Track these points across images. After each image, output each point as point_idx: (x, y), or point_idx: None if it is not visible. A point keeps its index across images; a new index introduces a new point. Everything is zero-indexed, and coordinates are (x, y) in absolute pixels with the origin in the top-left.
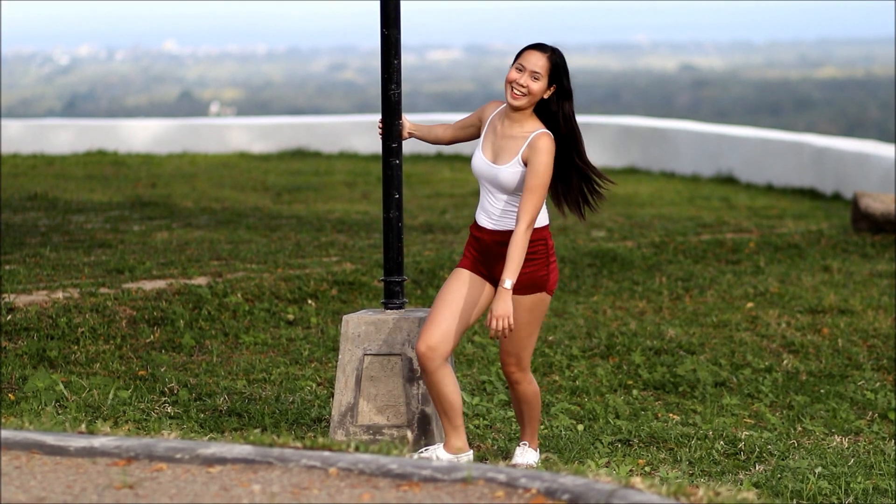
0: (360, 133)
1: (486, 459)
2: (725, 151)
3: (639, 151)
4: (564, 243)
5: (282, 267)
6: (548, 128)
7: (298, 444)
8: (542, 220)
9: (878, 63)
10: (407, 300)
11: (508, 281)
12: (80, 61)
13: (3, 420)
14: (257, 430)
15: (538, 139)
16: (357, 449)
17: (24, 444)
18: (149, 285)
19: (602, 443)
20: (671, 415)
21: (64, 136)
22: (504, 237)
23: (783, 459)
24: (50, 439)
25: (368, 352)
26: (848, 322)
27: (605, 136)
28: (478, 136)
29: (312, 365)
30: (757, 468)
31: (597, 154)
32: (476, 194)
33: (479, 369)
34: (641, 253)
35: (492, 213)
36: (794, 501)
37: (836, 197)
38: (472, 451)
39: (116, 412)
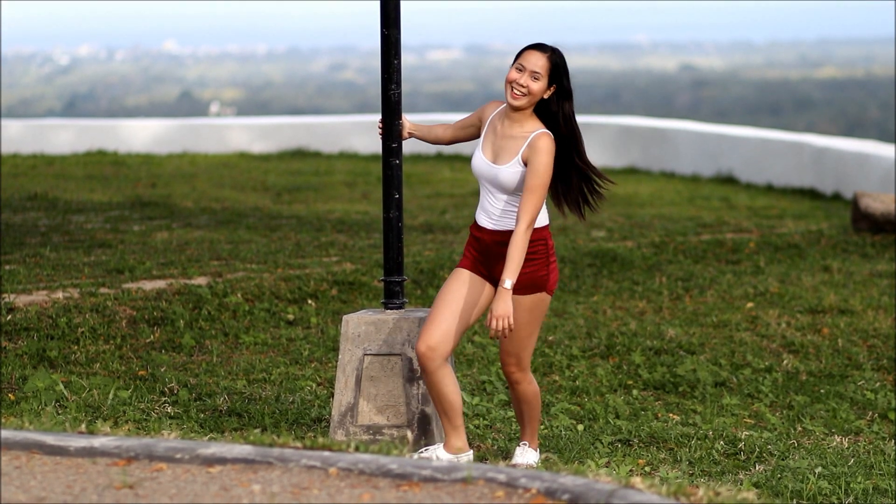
0: (360, 133)
1: (486, 459)
2: (725, 151)
3: (639, 151)
4: (564, 243)
5: (282, 267)
6: (548, 128)
7: (298, 444)
8: (543, 220)
9: (878, 63)
10: (407, 300)
11: (508, 281)
12: (80, 61)
13: (3, 420)
14: (257, 430)
15: (538, 139)
16: (357, 449)
17: (24, 444)
18: (149, 285)
19: (602, 443)
20: (671, 415)
21: (64, 136)
22: (504, 237)
23: (783, 459)
24: (50, 439)
25: (368, 352)
26: (848, 322)
27: (605, 136)
28: (478, 136)
29: (312, 365)
30: (757, 468)
31: (597, 154)
32: (476, 194)
33: (479, 369)
34: (641, 253)
35: (492, 213)
36: (794, 501)
37: (836, 197)
38: (472, 451)
39: (116, 412)
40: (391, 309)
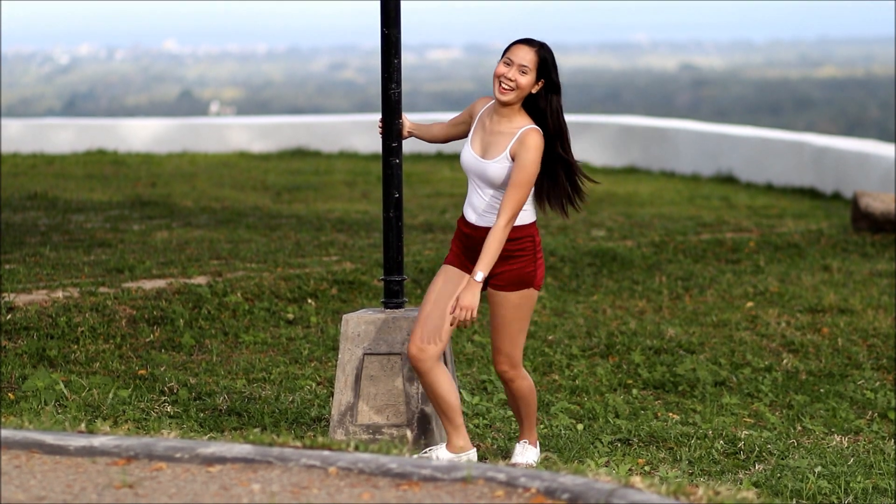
0: (360, 132)
1: (486, 459)
2: (725, 151)
3: (639, 151)
4: (564, 243)
5: (281, 266)
6: (536, 123)
7: (298, 444)
8: (530, 216)
9: (878, 62)
10: (407, 299)
11: (480, 273)
12: (80, 61)
13: (2, 419)
14: (257, 430)
15: (527, 135)
16: (357, 448)
17: (24, 444)
18: (148, 285)
19: (602, 442)
20: (671, 414)
21: (64, 136)
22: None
23: (783, 459)
24: (49, 439)
25: (368, 351)
26: (848, 321)
27: (605, 136)
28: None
29: (312, 364)
30: (757, 467)
31: (597, 154)
32: None
33: (478, 368)
34: (641, 252)
35: (478, 208)
36: (794, 501)
37: (836, 196)
38: (474, 450)
39: (116, 411)
40: (391, 308)
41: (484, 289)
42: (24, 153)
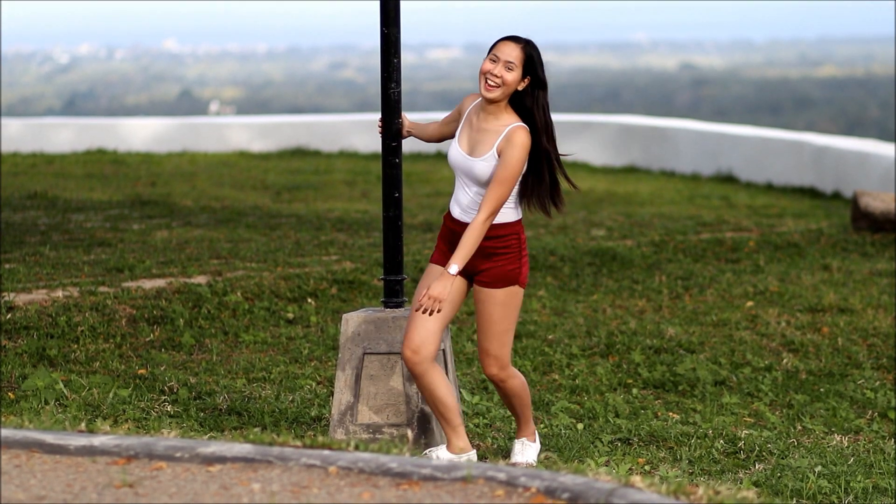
0: (359, 132)
1: (486, 458)
2: (725, 150)
3: (639, 150)
4: (564, 242)
5: (281, 266)
6: (523, 121)
7: (298, 443)
8: (515, 214)
9: (877, 62)
10: (407, 299)
11: (454, 266)
12: (80, 60)
13: (2, 419)
14: (257, 429)
15: (514, 132)
16: (357, 448)
17: (24, 443)
18: (148, 284)
19: (602, 441)
20: (671, 413)
21: (64, 135)
22: None
23: (783, 458)
24: (50, 438)
25: (368, 350)
26: (848, 321)
27: (605, 136)
28: None
29: (312, 364)
30: (757, 467)
31: (597, 153)
32: None
33: (478, 368)
34: (641, 252)
35: (463, 204)
36: (794, 500)
37: (836, 196)
38: (474, 451)
39: (116, 411)
40: (391, 308)
41: (470, 286)
42: (24, 152)
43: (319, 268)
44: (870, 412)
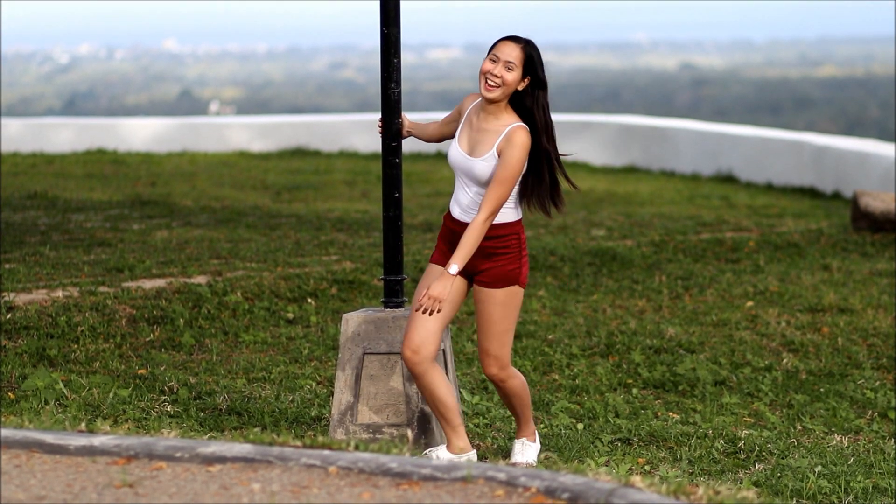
0: (359, 132)
1: (486, 458)
2: (725, 150)
3: (639, 150)
4: (564, 242)
5: (281, 266)
6: (523, 121)
7: (298, 443)
8: (516, 214)
9: (877, 62)
10: (407, 299)
11: (454, 266)
12: (80, 60)
13: (2, 419)
14: (257, 429)
15: (515, 132)
16: (357, 448)
17: (24, 443)
18: (148, 284)
19: (602, 441)
20: (671, 413)
21: (64, 135)
22: None
23: (783, 458)
24: (50, 438)
25: (368, 350)
26: (848, 321)
27: (605, 135)
28: None
29: (312, 364)
30: (757, 467)
31: (597, 153)
32: None
33: (478, 368)
34: (641, 252)
35: (463, 204)
36: (794, 500)
37: (836, 196)
38: (474, 451)
39: (116, 411)
40: (391, 308)
41: (470, 286)
42: (24, 152)
43: (319, 268)
44: (870, 412)
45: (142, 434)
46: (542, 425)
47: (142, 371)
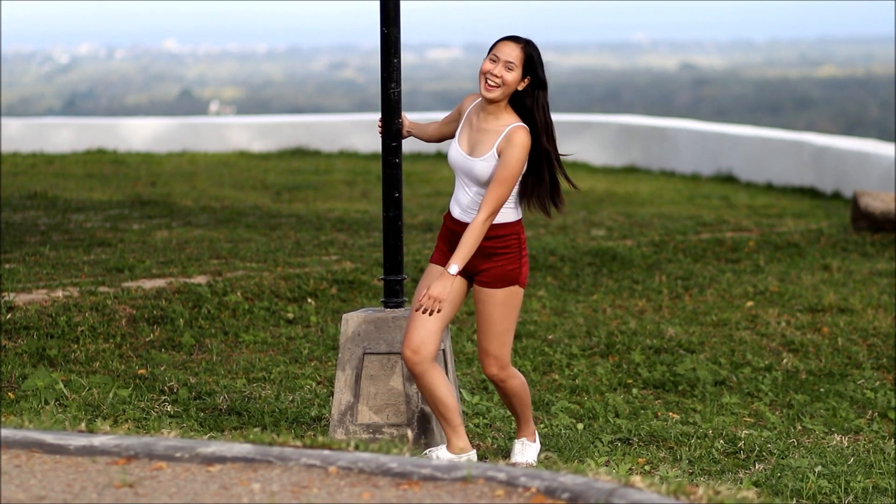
0: (359, 132)
1: (486, 458)
2: (725, 150)
3: (639, 150)
4: (564, 242)
5: (281, 266)
6: (523, 121)
7: (298, 443)
8: (516, 214)
9: (877, 62)
10: (407, 299)
11: (454, 266)
12: (80, 60)
13: (2, 419)
14: (257, 429)
15: (515, 132)
16: (357, 448)
17: (24, 443)
18: (148, 284)
19: (602, 441)
20: (671, 413)
21: (64, 135)
22: None
23: (783, 458)
24: (50, 438)
25: (368, 350)
26: (848, 321)
27: (605, 135)
28: None
29: (312, 364)
30: (757, 467)
31: (597, 153)
32: None
33: (478, 368)
34: (641, 252)
35: (463, 204)
36: (794, 500)
37: (836, 196)
38: (474, 451)
39: (116, 411)
40: (391, 308)
41: (470, 286)
42: (24, 152)
43: (319, 268)
44: (870, 412)
45: (142, 434)
46: (542, 425)
47: (142, 371)
